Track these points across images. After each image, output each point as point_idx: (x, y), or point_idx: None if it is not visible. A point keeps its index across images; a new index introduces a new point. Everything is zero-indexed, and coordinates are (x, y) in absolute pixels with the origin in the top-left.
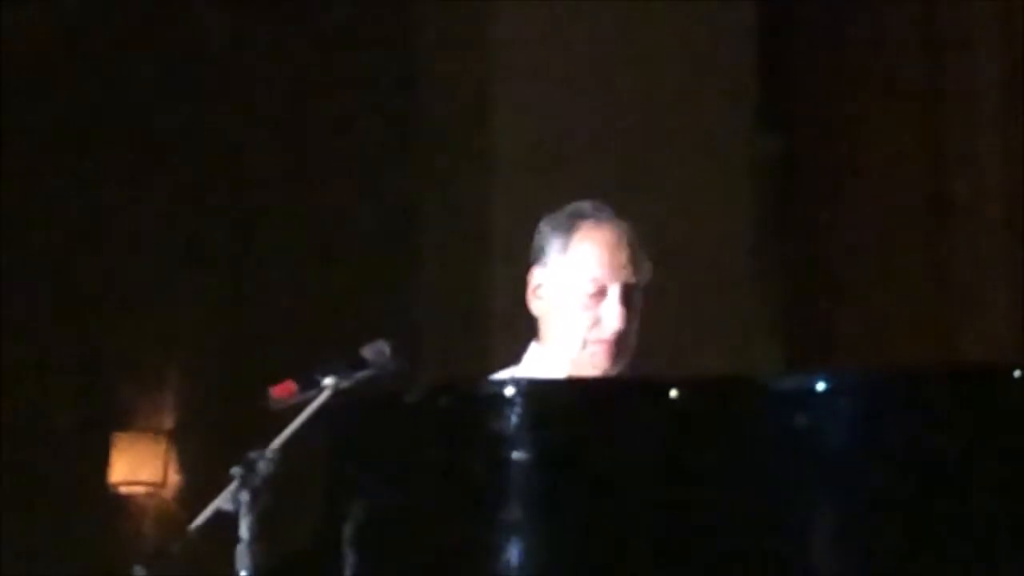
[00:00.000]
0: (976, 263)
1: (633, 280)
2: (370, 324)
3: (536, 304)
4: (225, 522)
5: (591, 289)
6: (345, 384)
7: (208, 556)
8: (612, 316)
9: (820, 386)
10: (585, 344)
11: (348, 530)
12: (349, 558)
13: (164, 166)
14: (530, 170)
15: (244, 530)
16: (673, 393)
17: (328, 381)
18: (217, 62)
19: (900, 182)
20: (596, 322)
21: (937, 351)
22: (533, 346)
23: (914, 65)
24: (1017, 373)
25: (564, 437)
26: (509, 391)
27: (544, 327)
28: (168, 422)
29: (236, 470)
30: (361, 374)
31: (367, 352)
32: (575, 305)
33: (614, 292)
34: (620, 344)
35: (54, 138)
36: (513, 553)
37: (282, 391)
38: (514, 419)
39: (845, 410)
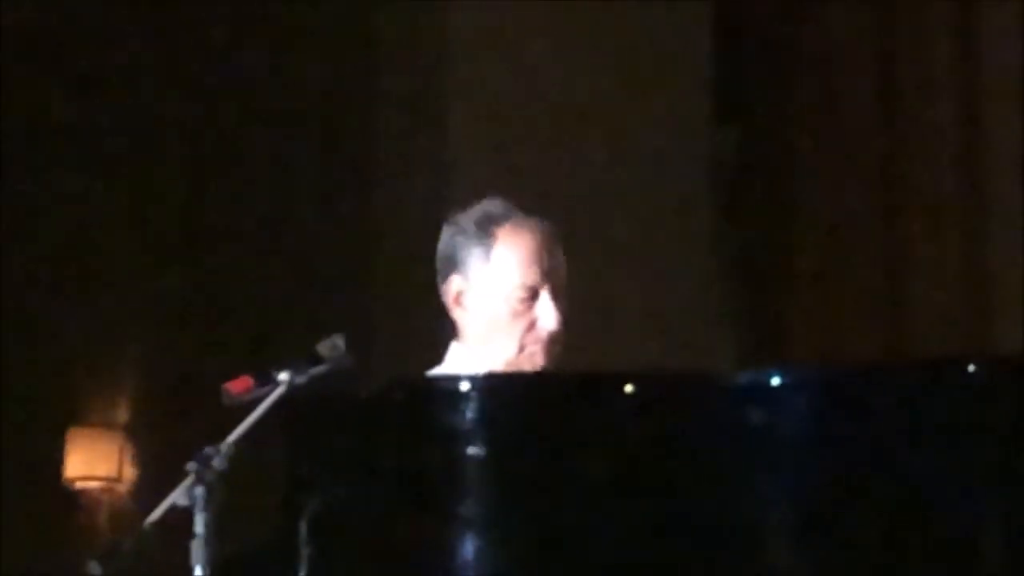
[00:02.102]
0: (931, 253)
1: (561, 278)
2: (325, 319)
3: (461, 313)
4: (180, 517)
5: (522, 294)
6: (300, 379)
7: (163, 551)
8: (548, 318)
9: (775, 381)
10: (522, 348)
11: (304, 526)
12: (305, 554)
13: (118, 158)
14: (487, 164)
15: (199, 525)
16: (629, 388)
17: (283, 376)
18: (177, 56)
19: (856, 172)
20: (531, 325)
21: (890, 342)
22: (454, 346)
23: (868, 54)
24: (971, 367)
25: (520, 432)
26: (465, 386)
27: (469, 330)
28: (123, 417)
29: (191, 465)
30: (316, 369)
31: (322, 347)
32: (507, 311)
33: (546, 295)
34: (556, 342)
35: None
36: (470, 548)
37: (237, 386)
38: (470, 414)
39: (800, 405)
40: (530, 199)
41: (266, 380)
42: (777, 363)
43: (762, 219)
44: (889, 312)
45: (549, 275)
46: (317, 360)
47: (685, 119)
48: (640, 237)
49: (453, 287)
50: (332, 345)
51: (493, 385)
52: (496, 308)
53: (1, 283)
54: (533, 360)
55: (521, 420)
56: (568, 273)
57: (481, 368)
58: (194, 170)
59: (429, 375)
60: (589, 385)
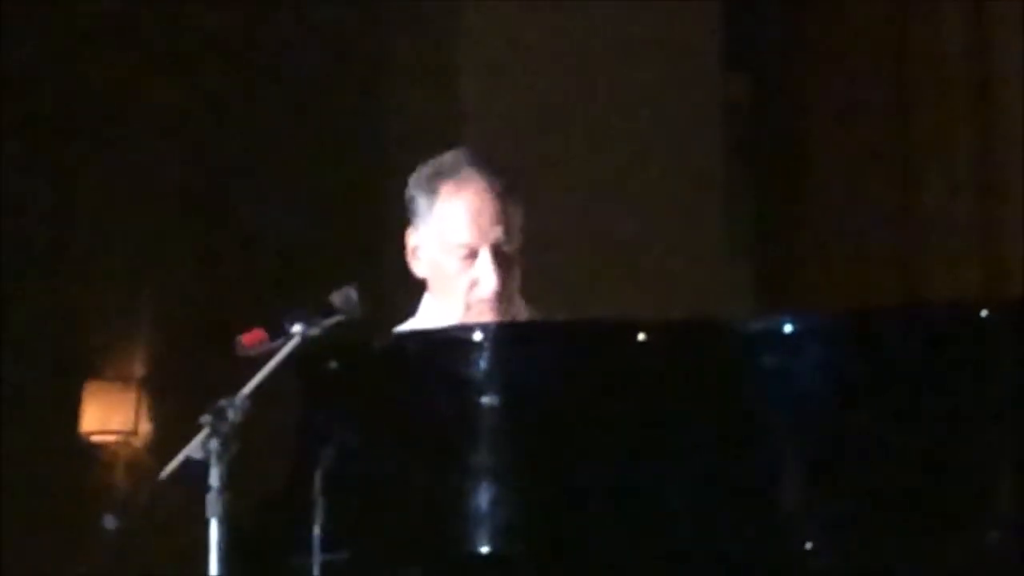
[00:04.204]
0: (944, 198)
1: (502, 238)
2: (338, 270)
3: (417, 265)
4: (195, 470)
5: (462, 253)
6: (314, 331)
7: (178, 504)
8: (488, 279)
9: (788, 327)
10: (469, 306)
11: (318, 477)
12: (319, 504)
13: (136, 114)
14: (500, 105)
15: (214, 478)
16: (641, 336)
17: (297, 328)
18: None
19: (866, 119)
20: (473, 284)
21: (903, 285)
22: (427, 297)
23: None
24: (984, 311)
25: (533, 382)
26: (477, 336)
27: (430, 285)
28: (139, 371)
29: (206, 418)
30: (330, 321)
31: (335, 299)
32: (450, 269)
33: (485, 255)
34: (502, 299)
35: (28, 91)
36: (483, 497)
37: (251, 339)
38: (482, 364)
39: (813, 351)
40: (542, 142)
41: (280, 332)
42: (789, 309)
43: (774, 165)
44: (905, 254)
45: (487, 235)
46: (330, 312)
47: (696, 67)
48: (652, 187)
49: (410, 240)
50: (345, 297)
51: (506, 334)
52: (441, 264)
53: (16, 236)
54: (481, 319)
55: (534, 369)
56: (577, 225)
57: (439, 322)
58: (211, 127)
59: (429, 327)
60: (602, 333)
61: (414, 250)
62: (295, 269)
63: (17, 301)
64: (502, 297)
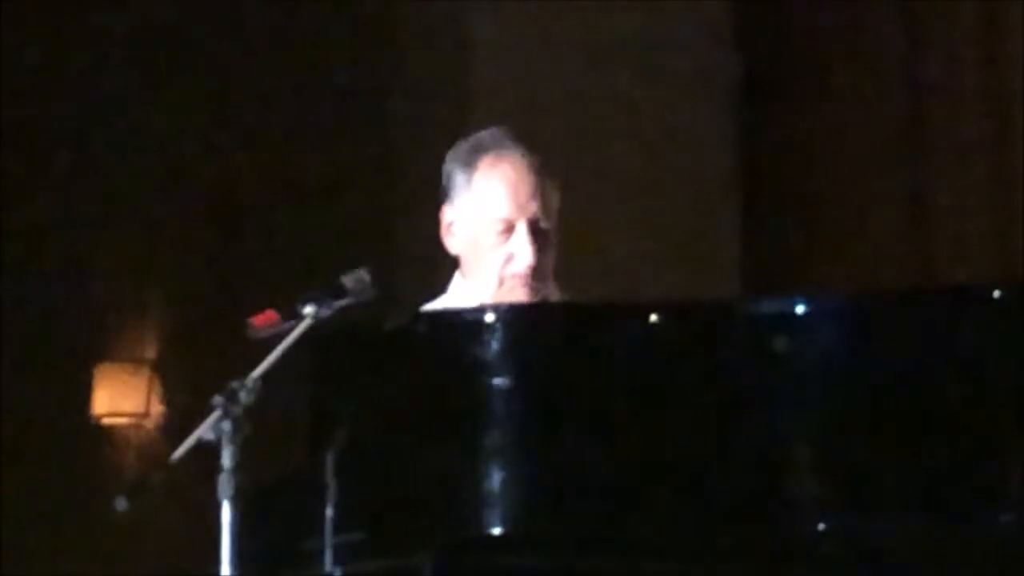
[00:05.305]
0: (952, 181)
1: (539, 214)
2: (350, 252)
3: (451, 241)
4: (207, 452)
5: (499, 227)
6: (325, 313)
7: (190, 486)
8: (523, 253)
9: (799, 309)
10: (502, 281)
11: (330, 459)
12: (331, 486)
13: (151, 92)
14: (510, 90)
15: (226, 459)
16: (653, 317)
17: (308, 310)
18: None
19: (875, 100)
20: (509, 259)
21: (910, 269)
22: (457, 277)
23: None
24: (996, 293)
25: (545, 363)
26: (489, 317)
27: (463, 262)
28: (151, 353)
29: (217, 400)
30: (341, 303)
31: (347, 281)
32: (485, 244)
33: (522, 228)
34: (536, 276)
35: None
36: (495, 478)
37: (263, 320)
38: (494, 345)
39: (824, 333)
40: (551, 120)
41: (292, 314)
42: (801, 291)
43: (783, 145)
44: (912, 238)
45: (525, 209)
46: (342, 293)
47: (707, 48)
48: (660, 172)
49: (445, 216)
50: (357, 278)
51: (517, 316)
52: (477, 239)
53: (27, 218)
54: (513, 294)
55: (546, 351)
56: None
57: (470, 300)
58: (219, 107)
59: (444, 308)
60: (614, 315)
61: (449, 226)
62: (306, 251)
63: (28, 284)
64: (537, 274)
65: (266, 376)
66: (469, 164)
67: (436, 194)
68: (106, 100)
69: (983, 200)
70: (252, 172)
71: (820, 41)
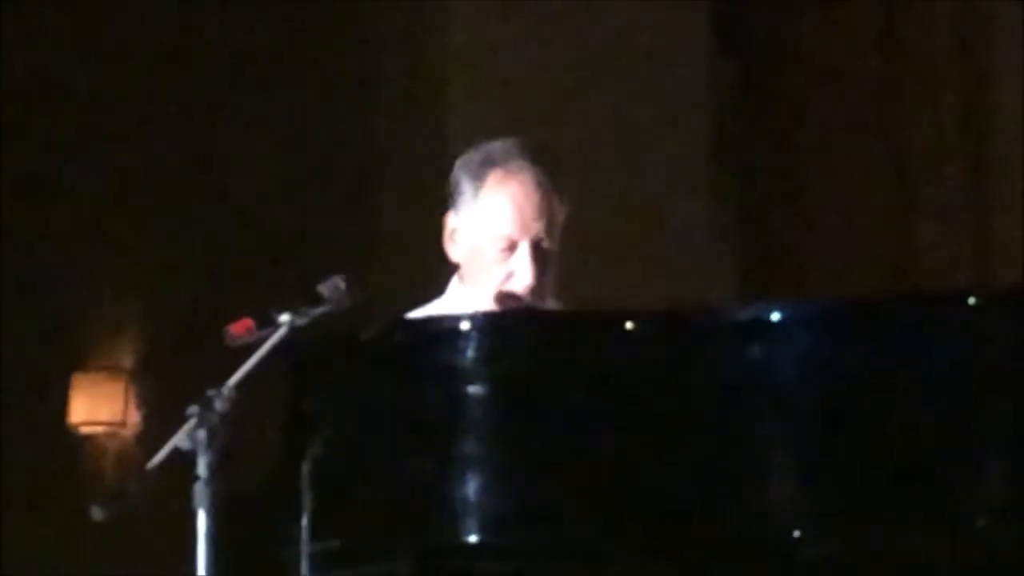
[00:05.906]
0: (937, 182)
1: (543, 234)
2: (326, 260)
3: (453, 249)
4: (183, 460)
5: (501, 245)
6: (302, 321)
7: (166, 494)
8: (524, 272)
9: (776, 316)
10: (500, 298)
11: (306, 467)
12: (307, 494)
13: (127, 103)
14: (487, 96)
15: (202, 468)
16: (629, 325)
17: (285, 318)
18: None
19: (858, 103)
20: (509, 276)
21: (897, 272)
22: (455, 282)
23: None
24: (972, 299)
25: (521, 371)
26: (465, 326)
27: (463, 270)
28: (128, 362)
29: (193, 409)
30: (318, 311)
31: (323, 288)
32: (487, 258)
33: (524, 248)
34: (535, 295)
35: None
36: (472, 486)
37: (239, 328)
38: (470, 353)
39: (801, 340)
40: (530, 123)
41: (268, 322)
42: (778, 298)
43: (763, 151)
44: (892, 247)
45: (529, 229)
46: (318, 301)
47: (684, 52)
48: (640, 173)
49: (449, 223)
50: (333, 286)
51: (493, 324)
52: (479, 252)
53: (4, 230)
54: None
55: (522, 358)
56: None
57: (466, 308)
58: (203, 112)
59: (428, 314)
60: (590, 322)
61: (452, 233)
62: (285, 260)
63: (5, 293)
64: (535, 293)
65: (242, 384)
66: (477, 177)
67: (415, 201)
68: (80, 110)
69: (964, 202)
70: (230, 178)
71: (807, 46)
